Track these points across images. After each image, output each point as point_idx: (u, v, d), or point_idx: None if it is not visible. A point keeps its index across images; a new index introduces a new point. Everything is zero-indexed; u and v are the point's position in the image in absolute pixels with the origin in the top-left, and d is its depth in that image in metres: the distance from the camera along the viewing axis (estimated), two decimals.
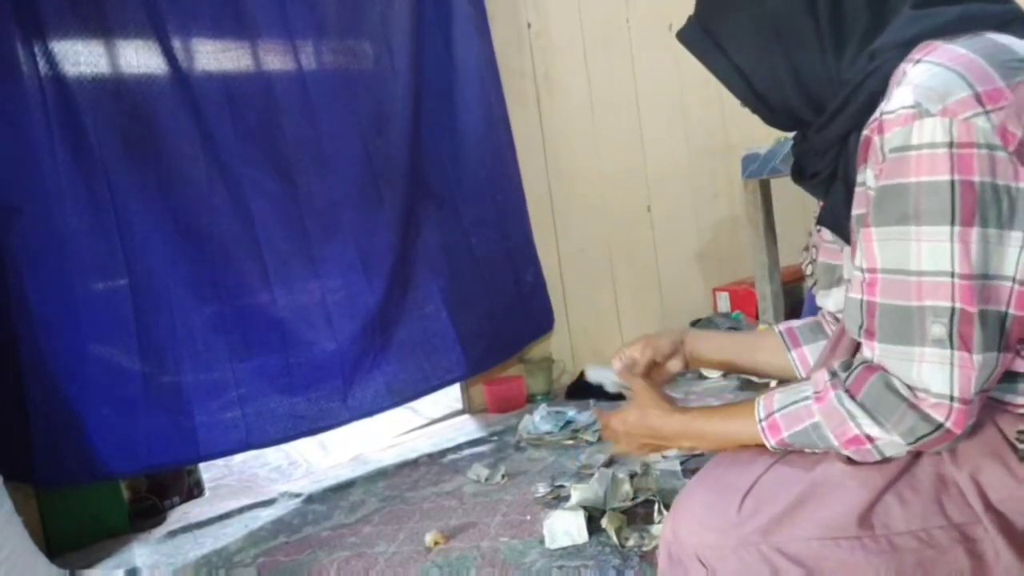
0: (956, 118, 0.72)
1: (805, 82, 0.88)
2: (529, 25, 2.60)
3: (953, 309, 0.74)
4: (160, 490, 1.96)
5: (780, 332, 1.18)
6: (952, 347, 0.74)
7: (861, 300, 0.81)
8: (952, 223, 0.73)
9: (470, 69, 2.32)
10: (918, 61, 0.77)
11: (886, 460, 0.82)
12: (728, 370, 1.26)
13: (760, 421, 0.89)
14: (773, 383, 1.58)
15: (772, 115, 0.94)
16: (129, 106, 1.78)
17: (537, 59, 2.62)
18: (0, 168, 1.66)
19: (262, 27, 1.95)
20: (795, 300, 2.76)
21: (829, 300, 1.09)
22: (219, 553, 1.66)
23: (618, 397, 1.23)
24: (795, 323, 1.18)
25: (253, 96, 1.95)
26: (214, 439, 1.88)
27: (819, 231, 1.07)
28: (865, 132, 0.81)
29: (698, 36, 0.95)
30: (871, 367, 0.80)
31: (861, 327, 0.82)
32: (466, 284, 2.32)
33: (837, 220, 0.93)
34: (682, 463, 1.66)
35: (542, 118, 2.64)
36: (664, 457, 1.64)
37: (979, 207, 0.72)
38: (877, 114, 0.78)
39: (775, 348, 1.17)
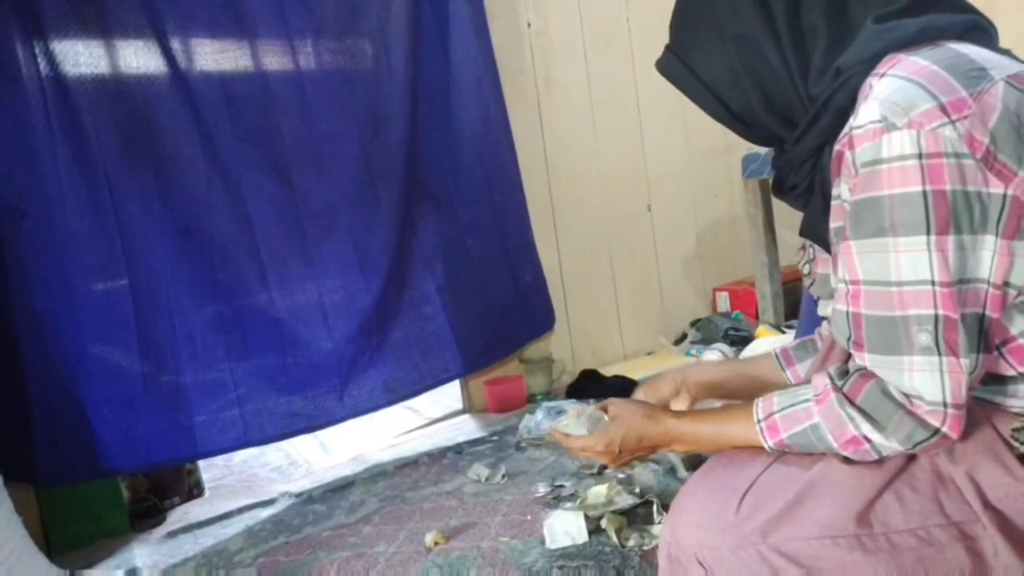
0: (923, 129, 0.73)
1: (773, 101, 0.91)
2: (529, 24, 2.61)
3: (937, 316, 0.75)
4: (160, 490, 1.96)
5: (776, 355, 1.20)
6: (940, 354, 0.75)
7: (847, 312, 0.82)
8: (928, 232, 0.74)
9: (468, 69, 2.32)
10: (883, 75, 0.79)
11: (884, 459, 0.82)
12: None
13: (759, 422, 0.89)
14: None
15: (750, 133, 0.97)
16: (129, 107, 1.78)
17: (537, 58, 2.62)
18: (1, 168, 1.66)
19: (260, 28, 1.95)
20: (795, 300, 2.76)
21: (830, 310, 1.09)
22: (219, 553, 1.66)
23: (618, 392, 1.21)
24: (789, 345, 1.21)
25: (251, 97, 1.95)
26: (212, 437, 1.89)
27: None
28: (837, 147, 0.83)
29: (673, 64, 0.98)
30: (866, 374, 0.81)
31: (849, 339, 0.82)
32: (463, 283, 2.32)
33: (817, 231, 0.95)
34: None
35: (542, 118, 2.64)
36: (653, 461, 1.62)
37: (952, 215, 0.73)
38: (847, 129, 0.80)
39: (774, 371, 1.19)
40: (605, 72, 2.78)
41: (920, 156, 0.73)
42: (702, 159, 3.08)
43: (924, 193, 0.73)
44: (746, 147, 2.62)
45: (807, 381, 0.94)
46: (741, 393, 1.22)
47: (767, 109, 0.91)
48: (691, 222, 3.09)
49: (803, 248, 2.27)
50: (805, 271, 2.26)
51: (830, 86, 0.84)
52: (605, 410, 1.07)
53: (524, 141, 2.51)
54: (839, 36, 0.85)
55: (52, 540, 1.78)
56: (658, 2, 2.82)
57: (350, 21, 2.10)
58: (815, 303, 2.13)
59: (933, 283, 0.74)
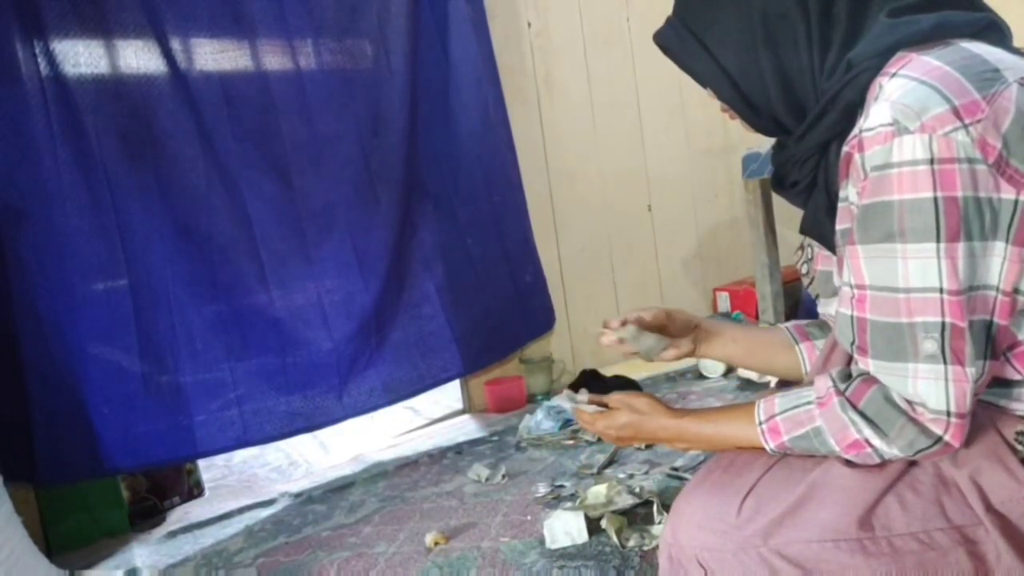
0: (935, 134, 0.72)
1: (790, 85, 0.87)
2: (529, 24, 2.60)
3: (944, 324, 0.74)
4: (160, 490, 1.96)
5: (788, 328, 1.16)
6: (946, 362, 0.74)
7: (851, 316, 0.81)
8: (938, 240, 0.73)
9: (467, 69, 2.32)
10: (894, 75, 0.77)
11: (886, 462, 0.82)
12: (738, 363, 1.26)
13: (760, 424, 0.89)
14: (772, 383, 1.58)
15: (757, 119, 0.93)
16: (129, 107, 1.78)
17: (537, 59, 2.62)
18: (1, 168, 1.65)
19: (260, 27, 1.95)
20: (795, 300, 2.76)
21: (831, 308, 1.08)
22: (219, 553, 1.66)
23: (623, 387, 1.21)
24: (803, 321, 1.17)
25: (251, 97, 1.95)
26: (212, 437, 1.89)
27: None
28: (846, 148, 0.81)
29: (681, 37, 0.92)
30: (869, 379, 0.80)
31: (853, 343, 0.81)
32: (462, 283, 2.32)
33: (819, 228, 0.93)
34: (674, 468, 1.66)
35: (542, 118, 2.64)
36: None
37: (963, 222, 0.72)
38: (856, 131, 0.78)
39: (786, 345, 1.15)
40: (605, 72, 2.78)
41: (932, 161, 0.72)
42: (702, 159, 3.08)
43: (935, 199, 0.72)
44: (746, 147, 2.61)
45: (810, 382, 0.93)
46: (747, 362, 1.22)
47: (782, 92, 0.88)
48: (691, 222, 3.09)
49: (800, 248, 2.27)
50: (803, 271, 2.26)
51: (840, 80, 0.82)
52: (605, 405, 1.07)
53: (524, 141, 2.51)
54: (856, 27, 0.83)
55: (52, 540, 1.78)
56: (658, 2, 2.81)
57: (350, 21, 2.10)
58: (815, 303, 2.13)
59: (941, 291, 0.73)
